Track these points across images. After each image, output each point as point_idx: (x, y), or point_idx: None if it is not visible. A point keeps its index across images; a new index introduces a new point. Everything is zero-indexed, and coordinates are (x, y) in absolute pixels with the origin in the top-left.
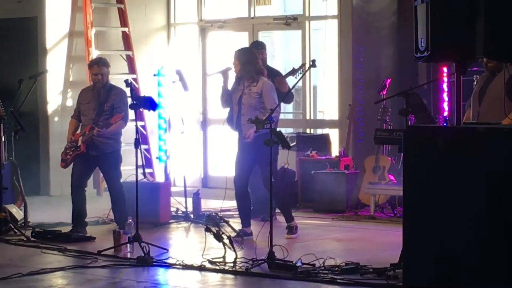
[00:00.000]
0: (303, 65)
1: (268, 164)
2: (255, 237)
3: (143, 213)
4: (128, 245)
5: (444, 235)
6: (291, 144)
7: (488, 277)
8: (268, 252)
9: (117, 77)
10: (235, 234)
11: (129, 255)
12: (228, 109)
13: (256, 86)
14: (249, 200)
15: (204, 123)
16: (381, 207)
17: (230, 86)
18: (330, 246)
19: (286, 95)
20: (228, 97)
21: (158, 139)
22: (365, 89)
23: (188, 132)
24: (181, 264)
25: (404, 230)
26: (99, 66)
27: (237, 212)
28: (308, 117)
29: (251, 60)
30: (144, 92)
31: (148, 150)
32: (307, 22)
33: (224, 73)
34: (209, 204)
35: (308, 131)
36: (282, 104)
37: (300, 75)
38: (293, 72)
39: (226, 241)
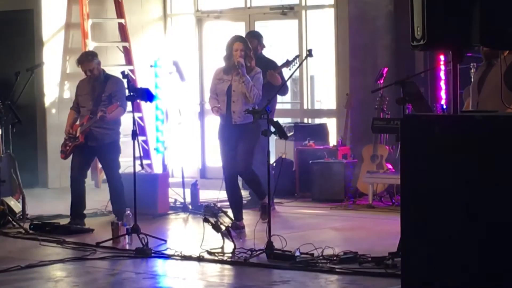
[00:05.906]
0: (297, 56)
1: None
2: (254, 227)
3: (141, 204)
4: (127, 236)
5: (442, 223)
6: (289, 134)
7: (487, 266)
8: (267, 242)
9: (114, 69)
10: (232, 224)
11: (127, 247)
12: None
13: (250, 73)
14: (239, 192)
15: (202, 114)
16: (379, 196)
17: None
18: (328, 235)
19: (280, 87)
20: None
21: (155, 130)
22: (362, 78)
23: (186, 123)
24: (180, 255)
25: (402, 218)
26: (83, 64)
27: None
28: (305, 107)
29: (251, 49)
30: (141, 83)
31: (145, 142)
32: (303, 12)
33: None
34: (207, 195)
35: (305, 120)
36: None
37: (296, 66)
38: (287, 63)
39: (225, 231)
